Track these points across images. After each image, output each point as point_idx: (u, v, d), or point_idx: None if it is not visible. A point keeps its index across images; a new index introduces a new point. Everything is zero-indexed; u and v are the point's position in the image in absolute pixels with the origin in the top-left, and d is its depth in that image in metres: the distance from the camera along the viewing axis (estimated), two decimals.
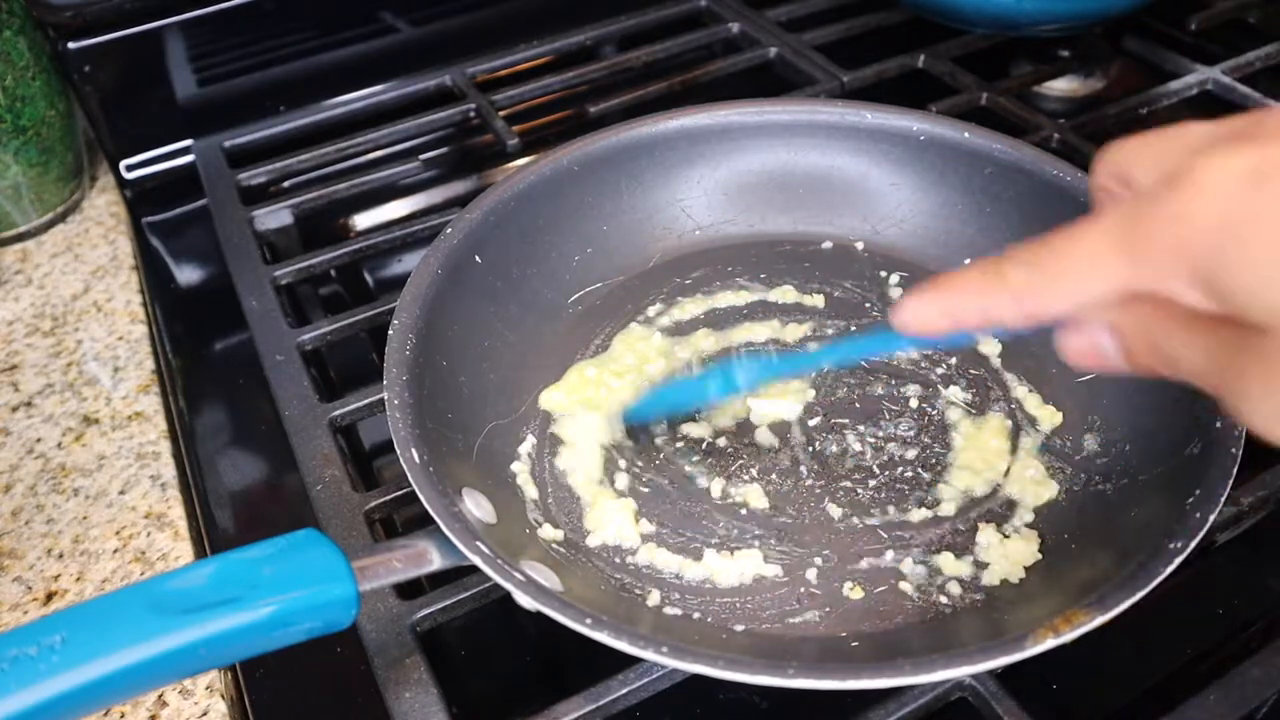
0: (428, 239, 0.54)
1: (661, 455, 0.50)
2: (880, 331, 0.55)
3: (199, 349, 0.65)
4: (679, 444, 0.51)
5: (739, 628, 0.43)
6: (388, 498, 0.48)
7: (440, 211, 0.67)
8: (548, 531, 0.46)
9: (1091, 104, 0.78)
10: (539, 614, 0.37)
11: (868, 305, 0.58)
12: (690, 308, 0.58)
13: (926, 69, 0.77)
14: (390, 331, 0.47)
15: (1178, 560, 0.37)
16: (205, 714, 0.45)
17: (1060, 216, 0.54)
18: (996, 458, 0.49)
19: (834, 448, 0.50)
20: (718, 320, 0.57)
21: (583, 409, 0.52)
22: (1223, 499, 0.39)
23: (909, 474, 0.49)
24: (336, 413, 0.52)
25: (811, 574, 0.45)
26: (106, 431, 0.58)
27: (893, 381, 0.53)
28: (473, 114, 0.75)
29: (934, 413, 0.52)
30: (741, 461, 0.50)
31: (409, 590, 0.44)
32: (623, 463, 0.50)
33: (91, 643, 0.31)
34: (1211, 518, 0.38)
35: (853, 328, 0.56)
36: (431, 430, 0.44)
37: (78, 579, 0.51)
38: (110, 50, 0.72)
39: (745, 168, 0.62)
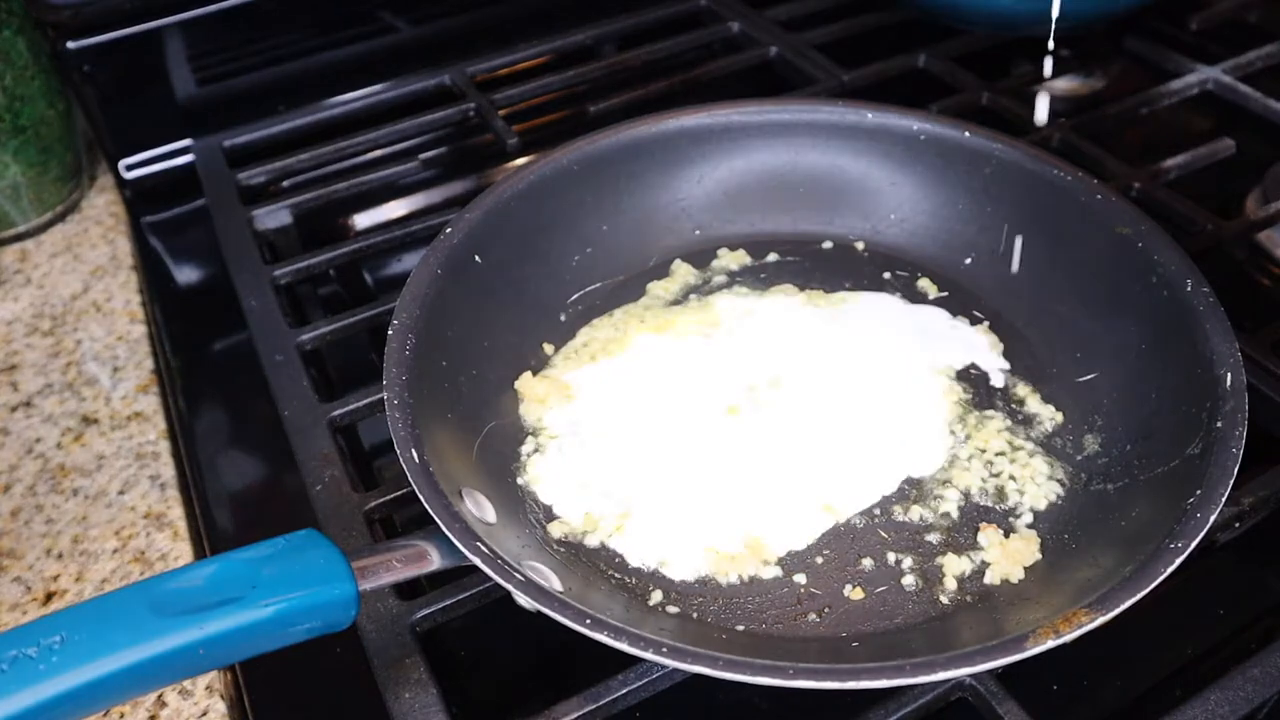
0: (428, 239, 0.54)
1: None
2: None
3: (199, 349, 0.65)
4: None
5: (739, 628, 0.43)
6: (388, 498, 0.48)
7: (440, 211, 0.67)
8: (548, 531, 0.46)
9: (1091, 104, 0.78)
10: (539, 614, 0.37)
11: None
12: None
13: (926, 69, 0.77)
14: (390, 331, 0.47)
15: (1178, 560, 0.37)
16: (205, 714, 0.45)
17: (1060, 216, 0.55)
18: (996, 458, 0.49)
19: None
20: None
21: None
22: (1223, 499, 0.39)
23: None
24: (336, 413, 0.52)
25: (812, 574, 0.45)
26: (106, 431, 0.58)
27: None
28: (473, 114, 0.75)
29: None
30: None
31: (409, 590, 0.44)
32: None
33: (91, 643, 0.31)
34: (1211, 518, 0.38)
35: None
36: (431, 430, 0.44)
37: (77, 579, 0.50)
38: (110, 50, 0.72)
39: (745, 168, 0.62)
